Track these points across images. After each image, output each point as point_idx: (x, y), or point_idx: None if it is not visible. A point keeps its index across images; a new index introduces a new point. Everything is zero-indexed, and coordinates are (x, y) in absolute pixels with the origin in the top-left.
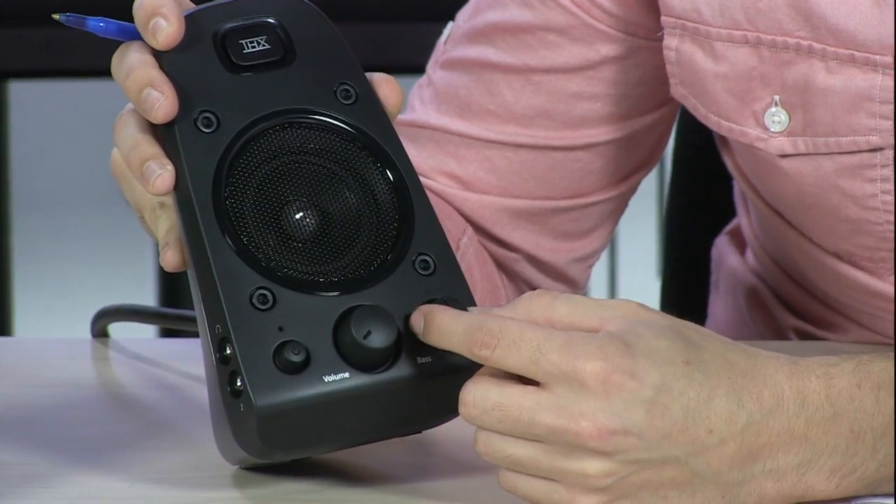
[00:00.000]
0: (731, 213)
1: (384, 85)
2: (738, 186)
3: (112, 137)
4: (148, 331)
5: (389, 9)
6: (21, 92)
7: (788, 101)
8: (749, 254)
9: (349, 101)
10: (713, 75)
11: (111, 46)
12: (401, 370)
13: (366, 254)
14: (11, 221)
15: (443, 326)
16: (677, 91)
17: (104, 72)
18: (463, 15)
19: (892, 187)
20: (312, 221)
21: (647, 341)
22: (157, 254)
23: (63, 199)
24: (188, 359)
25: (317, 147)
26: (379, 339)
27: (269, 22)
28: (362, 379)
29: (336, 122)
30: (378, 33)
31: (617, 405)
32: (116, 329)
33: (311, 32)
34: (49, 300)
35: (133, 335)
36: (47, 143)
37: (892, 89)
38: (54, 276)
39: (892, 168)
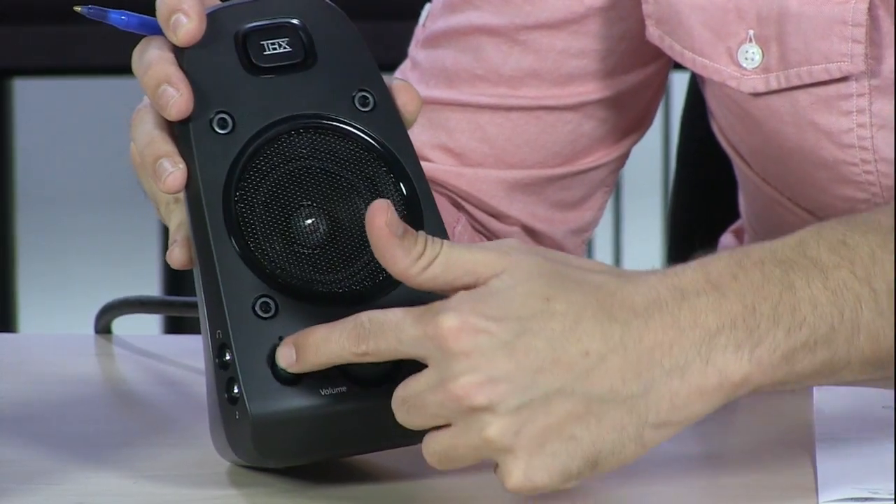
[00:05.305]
0: (735, 210)
1: (403, 92)
2: (736, 168)
3: (116, 135)
4: (152, 327)
5: (375, 6)
6: (25, 89)
7: (762, 35)
8: None
9: (366, 109)
10: (690, 7)
11: (114, 44)
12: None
13: (371, 266)
14: (16, 218)
15: (318, 340)
16: (653, 33)
17: (109, 69)
18: None
19: (867, 120)
20: (321, 229)
21: (505, 290)
22: (163, 251)
23: (67, 197)
24: (192, 355)
25: (331, 154)
26: None
27: (292, 23)
28: (360, 393)
29: (352, 130)
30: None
31: (477, 358)
32: (120, 325)
33: (334, 35)
34: (53, 297)
35: (137, 332)
36: (52, 140)
37: (865, 12)
38: (58, 272)
39: (866, 98)
